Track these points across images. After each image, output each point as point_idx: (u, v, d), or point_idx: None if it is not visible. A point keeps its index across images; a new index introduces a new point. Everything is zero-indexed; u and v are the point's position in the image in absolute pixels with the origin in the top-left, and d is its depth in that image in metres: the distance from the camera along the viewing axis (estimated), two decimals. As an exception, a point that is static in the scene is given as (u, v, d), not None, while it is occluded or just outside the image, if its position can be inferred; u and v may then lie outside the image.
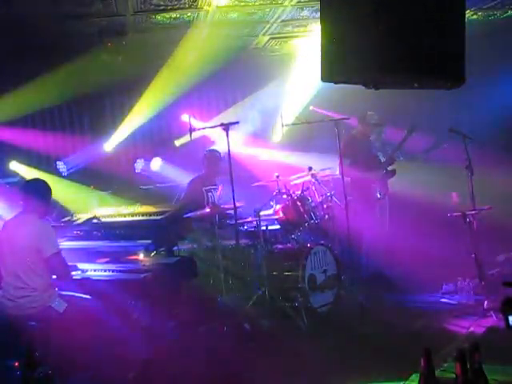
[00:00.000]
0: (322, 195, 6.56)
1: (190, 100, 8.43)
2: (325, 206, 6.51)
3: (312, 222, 6.35)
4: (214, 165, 6.92)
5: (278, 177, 6.54)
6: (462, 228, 5.76)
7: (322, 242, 6.37)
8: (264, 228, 6.24)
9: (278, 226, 6.56)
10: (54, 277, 4.63)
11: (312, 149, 7.87)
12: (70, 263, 4.82)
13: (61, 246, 4.66)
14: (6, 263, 4.51)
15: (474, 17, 7.35)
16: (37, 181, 4.82)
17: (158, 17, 6.65)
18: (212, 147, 7.60)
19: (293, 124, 7.31)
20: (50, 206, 4.81)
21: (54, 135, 8.53)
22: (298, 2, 6.61)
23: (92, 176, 8.11)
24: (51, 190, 4.73)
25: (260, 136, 8.82)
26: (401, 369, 4.02)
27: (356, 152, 6.89)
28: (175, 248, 5.76)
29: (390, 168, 7.05)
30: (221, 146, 6.95)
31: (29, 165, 8.12)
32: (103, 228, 5.58)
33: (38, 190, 4.66)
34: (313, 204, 6.44)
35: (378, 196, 6.91)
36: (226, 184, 6.43)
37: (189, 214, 5.85)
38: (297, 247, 6.32)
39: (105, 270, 4.99)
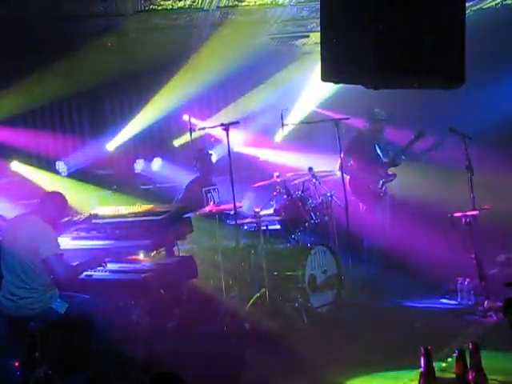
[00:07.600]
0: (322, 195, 6.56)
1: (190, 99, 8.42)
2: (325, 206, 6.51)
3: (312, 222, 6.35)
4: (205, 163, 6.89)
5: (278, 177, 6.54)
6: (462, 228, 5.75)
7: (322, 242, 6.38)
8: (264, 228, 6.25)
9: (278, 226, 6.55)
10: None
11: (312, 149, 7.86)
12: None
13: (61, 247, 4.65)
14: (6, 262, 4.52)
15: (474, 16, 7.35)
16: (59, 194, 4.85)
17: (158, 17, 6.65)
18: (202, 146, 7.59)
19: (293, 124, 7.31)
20: (60, 220, 4.89)
21: (54, 135, 8.53)
22: (298, 2, 6.61)
23: (92, 176, 8.12)
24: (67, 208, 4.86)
25: (261, 136, 8.81)
26: (401, 368, 4.03)
27: (360, 150, 6.88)
28: (175, 248, 5.75)
29: (390, 171, 7.03)
30: (223, 145, 6.93)
31: (29, 165, 8.13)
32: (103, 228, 5.56)
33: (58, 204, 4.74)
34: (313, 204, 6.44)
35: (379, 185, 6.87)
36: (225, 184, 6.42)
37: (189, 214, 5.84)
38: (297, 247, 6.32)
39: (105, 270, 4.98)
